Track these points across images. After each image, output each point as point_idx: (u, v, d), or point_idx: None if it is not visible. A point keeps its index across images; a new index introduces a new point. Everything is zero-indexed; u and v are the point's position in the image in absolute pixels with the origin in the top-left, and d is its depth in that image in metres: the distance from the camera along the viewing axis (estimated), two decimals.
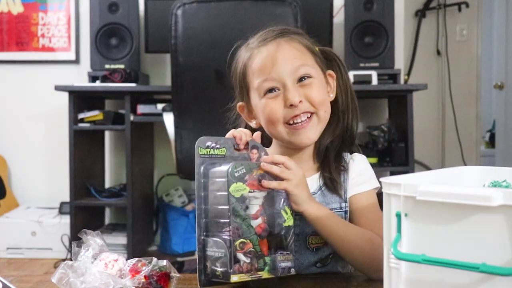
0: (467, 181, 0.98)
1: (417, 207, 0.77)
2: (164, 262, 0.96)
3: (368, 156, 3.42)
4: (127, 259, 0.99)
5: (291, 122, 1.14)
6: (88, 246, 0.97)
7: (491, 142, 5.92)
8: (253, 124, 1.23)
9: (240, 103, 1.24)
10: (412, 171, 3.09)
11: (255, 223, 0.96)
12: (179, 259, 3.14)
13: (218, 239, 0.95)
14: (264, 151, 1.08)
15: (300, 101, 1.13)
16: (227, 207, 0.94)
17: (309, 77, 1.15)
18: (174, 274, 0.96)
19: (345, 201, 1.19)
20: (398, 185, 0.79)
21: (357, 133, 1.26)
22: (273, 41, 1.17)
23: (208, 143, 1.03)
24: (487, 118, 5.78)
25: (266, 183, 0.99)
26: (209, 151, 1.02)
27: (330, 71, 1.22)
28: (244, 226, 0.95)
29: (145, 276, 0.94)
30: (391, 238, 0.80)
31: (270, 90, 1.15)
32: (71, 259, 0.97)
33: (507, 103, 5.00)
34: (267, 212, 0.98)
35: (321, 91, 1.17)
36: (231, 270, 0.92)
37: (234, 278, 0.92)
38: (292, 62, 1.14)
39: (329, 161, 1.20)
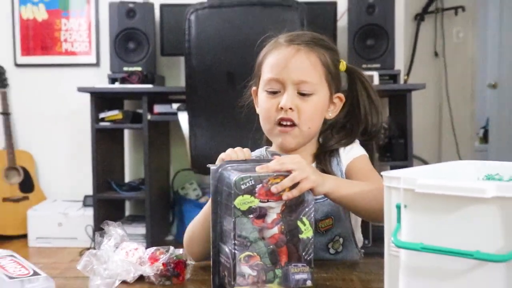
0: (463, 175, 0.97)
1: (416, 199, 0.77)
2: (181, 251, 0.97)
3: (369, 151, 3.38)
4: (146, 248, 1.00)
5: (279, 122, 1.15)
6: (110, 236, 0.98)
7: (485, 138, 5.89)
8: (258, 110, 1.24)
9: (254, 88, 1.25)
10: (411, 165, 3.08)
11: (270, 233, 0.88)
12: None
13: (227, 249, 0.89)
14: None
15: (291, 108, 1.13)
16: (232, 219, 0.86)
17: (310, 94, 1.14)
18: (190, 262, 0.97)
19: None
20: (398, 178, 0.79)
21: (380, 131, 1.26)
22: (296, 46, 1.15)
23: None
24: (481, 115, 5.74)
25: (285, 196, 0.88)
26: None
27: (339, 94, 1.21)
28: (252, 239, 0.87)
29: (163, 264, 0.95)
30: (392, 228, 0.80)
31: (273, 89, 1.15)
32: (94, 248, 0.97)
33: (500, 102, 4.98)
34: (286, 221, 0.89)
35: (315, 109, 1.16)
36: (234, 283, 0.86)
37: None
38: (299, 74, 1.13)
39: (325, 157, 1.21)
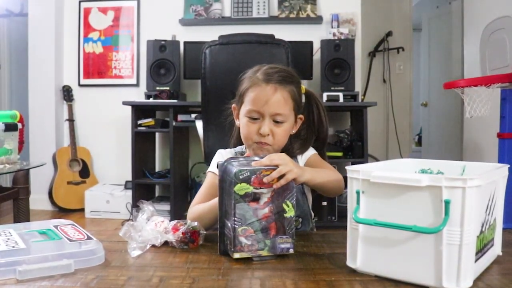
0: (404, 169, 0.97)
1: (370, 186, 0.77)
2: (195, 223, 0.96)
3: (336, 151, 3.35)
4: (170, 221, 0.98)
5: (257, 141, 1.13)
6: (144, 211, 0.97)
7: (419, 142, 5.91)
8: (237, 123, 1.20)
9: (234, 105, 1.22)
10: (367, 161, 3.08)
11: (262, 212, 0.86)
12: None
13: (229, 224, 0.86)
14: None
15: (268, 134, 1.11)
16: (233, 201, 0.85)
17: (282, 122, 1.12)
18: (202, 231, 0.96)
19: None
20: (358, 171, 0.78)
21: (327, 138, 1.25)
22: (273, 85, 1.11)
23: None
24: (416, 125, 5.77)
25: (275, 185, 0.86)
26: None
27: (301, 116, 1.19)
28: (248, 216, 0.85)
29: (182, 233, 0.94)
30: (353, 208, 0.79)
31: (254, 117, 1.13)
32: (132, 220, 0.96)
33: (429, 116, 5.00)
34: (275, 203, 0.86)
35: (285, 132, 1.14)
36: (233, 249, 0.85)
37: (236, 255, 0.85)
38: (275, 108, 1.10)
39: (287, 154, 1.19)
